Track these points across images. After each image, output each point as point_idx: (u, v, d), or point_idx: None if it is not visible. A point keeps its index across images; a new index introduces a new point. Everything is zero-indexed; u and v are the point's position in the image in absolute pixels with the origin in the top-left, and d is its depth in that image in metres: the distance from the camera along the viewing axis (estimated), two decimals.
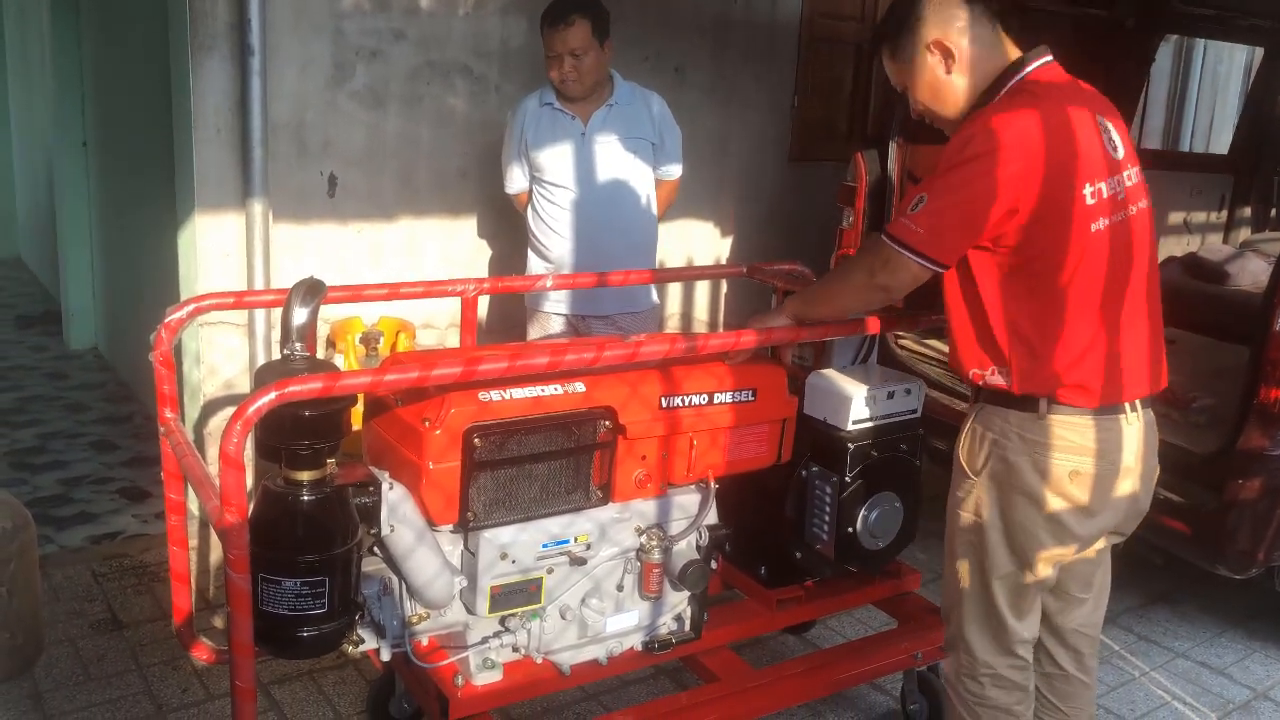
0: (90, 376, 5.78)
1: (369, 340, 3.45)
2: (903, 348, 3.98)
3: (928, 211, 1.96)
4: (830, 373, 2.62)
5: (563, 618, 2.37)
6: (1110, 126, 2.02)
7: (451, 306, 3.81)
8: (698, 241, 4.74)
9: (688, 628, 2.54)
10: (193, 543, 3.31)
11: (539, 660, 2.37)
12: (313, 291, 2.02)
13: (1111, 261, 1.98)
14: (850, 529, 2.53)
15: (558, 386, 2.25)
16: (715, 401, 2.43)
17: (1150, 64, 5.54)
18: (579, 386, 2.28)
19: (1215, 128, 7.88)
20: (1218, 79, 7.87)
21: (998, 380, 2.03)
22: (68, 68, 5.98)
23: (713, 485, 2.47)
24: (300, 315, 1.99)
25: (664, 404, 2.36)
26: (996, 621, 2.13)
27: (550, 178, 3.41)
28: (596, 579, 2.40)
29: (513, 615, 2.31)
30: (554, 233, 3.44)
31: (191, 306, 2.43)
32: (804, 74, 4.92)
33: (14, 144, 8.63)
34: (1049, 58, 2.06)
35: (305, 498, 1.97)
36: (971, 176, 1.92)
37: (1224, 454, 2.98)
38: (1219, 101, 7.92)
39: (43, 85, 6.61)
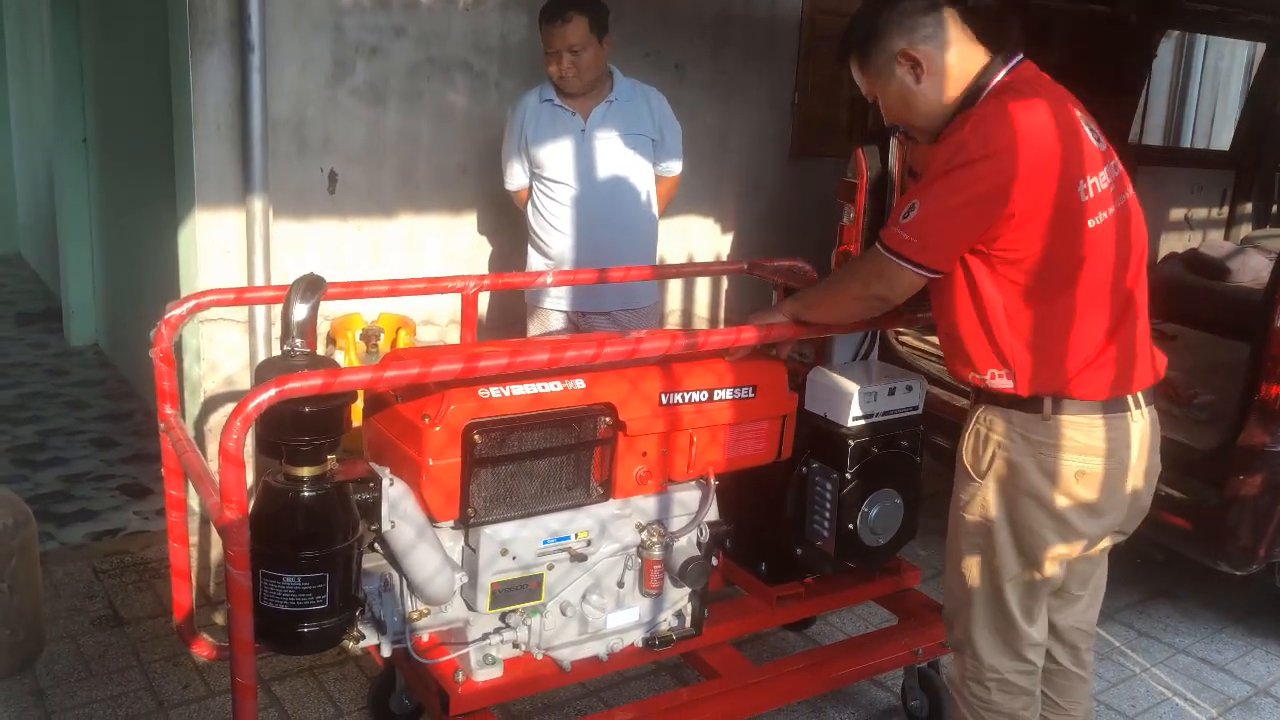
0: (91, 373, 5.77)
1: (369, 337, 3.45)
2: (904, 344, 3.97)
3: (921, 219, 1.94)
4: (830, 369, 2.62)
5: (563, 614, 2.37)
6: (1088, 120, 2.01)
7: (452, 303, 3.82)
8: (698, 238, 4.74)
9: (688, 624, 2.54)
10: (193, 539, 3.31)
11: (539, 656, 2.37)
12: (313, 288, 2.02)
13: (1111, 255, 1.96)
14: (850, 525, 2.53)
15: (558, 383, 2.25)
16: (715, 398, 2.43)
17: (1152, 60, 5.54)
18: (579, 383, 2.27)
19: (1216, 124, 7.87)
20: (1219, 75, 7.84)
21: (1001, 383, 2.00)
22: (68, 65, 5.97)
23: (713, 482, 2.47)
24: (300, 311, 1.99)
25: (664, 400, 2.36)
26: (1007, 625, 2.11)
27: (550, 174, 3.41)
28: (597, 575, 2.39)
29: (513, 611, 2.31)
30: (554, 229, 3.44)
31: (192, 303, 2.43)
32: (804, 70, 4.91)
33: (14, 141, 8.62)
34: (1021, 56, 2.03)
35: (306, 494, 1.97)
36: (966, 182, 1.89)
37: (1225, 450, 2.97)
38: (1220, 97, 7.89)
39: (43, 82, 6.60)
